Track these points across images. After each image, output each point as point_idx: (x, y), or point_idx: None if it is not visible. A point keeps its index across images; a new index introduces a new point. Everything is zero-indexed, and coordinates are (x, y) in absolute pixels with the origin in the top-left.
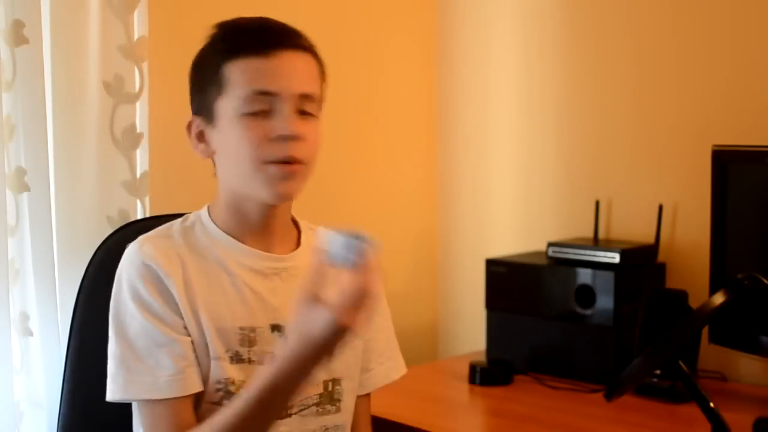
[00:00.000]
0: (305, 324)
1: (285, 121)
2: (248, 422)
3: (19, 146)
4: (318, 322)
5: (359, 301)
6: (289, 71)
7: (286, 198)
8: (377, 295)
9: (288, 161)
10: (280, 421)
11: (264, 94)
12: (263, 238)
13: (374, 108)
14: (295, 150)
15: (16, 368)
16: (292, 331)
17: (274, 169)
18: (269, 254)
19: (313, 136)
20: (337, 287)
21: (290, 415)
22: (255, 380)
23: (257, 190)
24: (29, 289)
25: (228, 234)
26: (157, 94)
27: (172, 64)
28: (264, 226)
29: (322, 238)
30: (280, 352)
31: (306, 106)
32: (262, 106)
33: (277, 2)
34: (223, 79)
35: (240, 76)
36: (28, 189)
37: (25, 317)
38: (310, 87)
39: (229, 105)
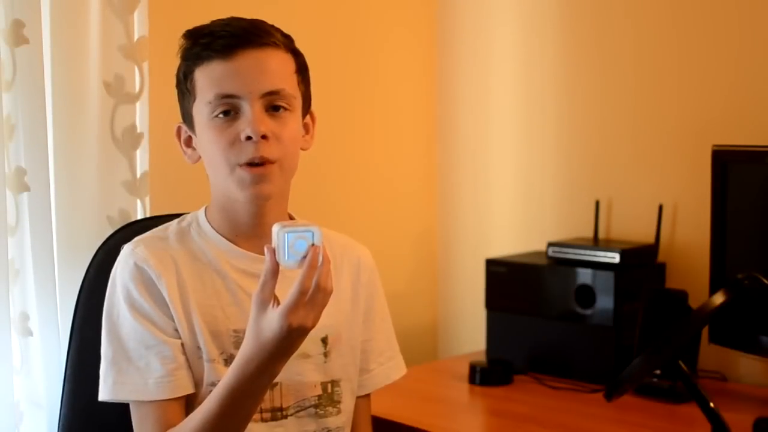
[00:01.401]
0: (257, 328)
1: (250, 123)
2: (220, 422)
3: (19, 146)
4: (269, 326)
5: (309, 299)
6: (251, 71)
7: (261, 199)
8: (328, 289)
9: (258, 162)
10: (275, 423)
11: (228, 97)
12: (256, 239)
13: (374, 108)
14: (265, 150)
15: (16, 368)
16: (247, 334)
17: (244, 173)
18: (262, 256)
19: (288, 132)
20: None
21: (286, 417)
22: (221, 382)
23: (235, 193)
24: (29, 289)
25: (222, 236)
26: (158, 95)
27: (172, 64)
28: (255, 227)
29: (273, 237)
30: (238, 355)
31: (277, 102)
32: (228, 109)
33: (275, 2)
34: (194, 86)
35: (205, 82)
36: (28, 189)
37: (25, 317)
38: (277, 83)
39: (201, 111)
